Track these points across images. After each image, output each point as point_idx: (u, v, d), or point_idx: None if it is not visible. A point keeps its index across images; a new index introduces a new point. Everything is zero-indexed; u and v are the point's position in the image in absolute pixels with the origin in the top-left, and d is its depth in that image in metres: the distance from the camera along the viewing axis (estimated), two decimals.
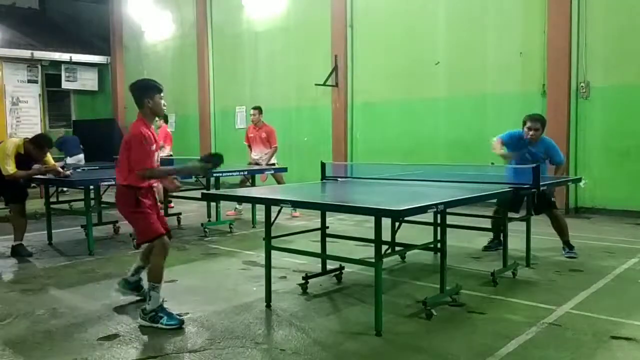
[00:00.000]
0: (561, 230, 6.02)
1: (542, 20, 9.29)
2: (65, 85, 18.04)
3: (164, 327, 3.87)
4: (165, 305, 4.01)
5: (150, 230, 4.08)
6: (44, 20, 20.14)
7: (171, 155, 10.22)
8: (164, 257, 4.08)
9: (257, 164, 9.34)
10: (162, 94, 4.19)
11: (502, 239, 5.50)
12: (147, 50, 17.59)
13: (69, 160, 13.40)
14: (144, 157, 4.00)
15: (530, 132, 5.90)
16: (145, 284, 4.23)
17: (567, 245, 5.98)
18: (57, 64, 17.76)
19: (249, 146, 9.67)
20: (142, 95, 4.11)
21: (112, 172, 8.04)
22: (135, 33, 17.88)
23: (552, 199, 5.97)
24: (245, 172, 9.03)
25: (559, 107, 9.10)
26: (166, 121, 10.90)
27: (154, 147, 4.08)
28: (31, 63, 17.35)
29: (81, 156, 13.74)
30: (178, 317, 3.99)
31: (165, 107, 4.32)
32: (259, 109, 9.50)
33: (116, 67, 18.56)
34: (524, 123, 5.99)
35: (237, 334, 3.76)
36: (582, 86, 8.92)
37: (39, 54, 17.34)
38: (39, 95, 17.69)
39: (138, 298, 4.49)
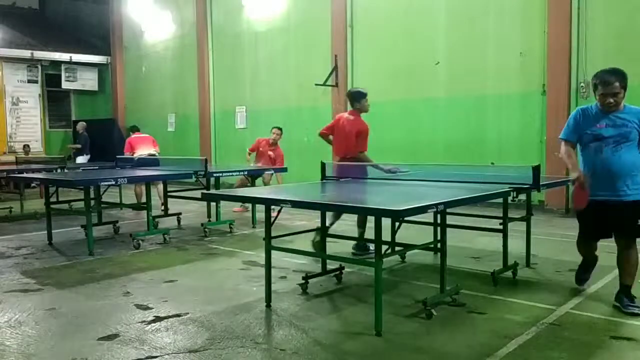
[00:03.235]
0: (628, 269, 4.20)
1: (542, 20, 9.29)
2: (65, 85, 18.05)
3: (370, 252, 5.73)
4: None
5: None
6: (44, 20, 20.15)
7: (154, 155, 10.30)
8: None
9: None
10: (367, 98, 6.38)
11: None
12: (147, 50, 17.59)
13: (80, 159, 13.58)
14: (364, 143, 6.27)
15: (609, 100, 4.04)
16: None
17: (626, 294, 4.18)
18: (57, 64, 17.78)
19: (250, 154, 10.14)
20: (359, 98, 6.39)
21: (113, 172, 8.08)
22: (135, 33, 17.88)
23: None
24: (245, 172, 9.05)
25: (559, 107, 9.10)
26: (138, 130, 11.09)
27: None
28: (31, 63, 17.37)
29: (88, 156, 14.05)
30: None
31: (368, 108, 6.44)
32: (281, 129, 9.99)
33: (116, 67, 18.57)
34: (595, 87, 4.13)
35: (237, 334, 3.75)
36: (582, 86, 8.91)
37: (39, 54, 17.36)
38: (39, 95, 17.71)
39: (136, 301, 4.49)
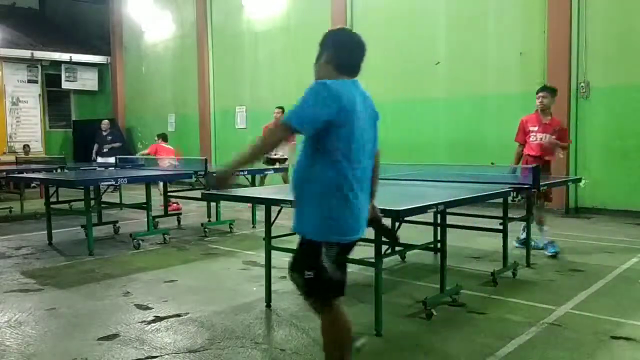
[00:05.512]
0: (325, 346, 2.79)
1: (542, 20, 9.30)
2: (65, 85, 18.03)
3: (549, 254, 5.85)
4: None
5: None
6: (44, 20, 20.15)
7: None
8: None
9: (269, 158, 9.40)
10: (540, 94, 6.21)
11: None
12: (147, 50, 17.59)
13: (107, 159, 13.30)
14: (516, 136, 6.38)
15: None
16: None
17: None
18: (57, 64, 17.76)
19: None
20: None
21: (112, 172, 8.08)
22: (135, 33, 17.88)
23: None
24: (245, 172, 9.04)
25: (559, 107, 9.08)
26: (166, 140, 11.22)
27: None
28: (31, 63, 17.35)
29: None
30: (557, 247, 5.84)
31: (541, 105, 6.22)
32: (282, 108, 9.89)
33: (116, 67, 18.56)
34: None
35: (237, 334, 3.75)
36: (582, 86, 8.92)
37: (39, 54, 17.34)
38: (39, 95, 17.69)
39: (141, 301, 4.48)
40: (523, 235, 6.07)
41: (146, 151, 11.32)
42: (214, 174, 2.77)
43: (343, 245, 2.68)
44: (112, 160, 13.16)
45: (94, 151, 14.20)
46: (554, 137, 6.10)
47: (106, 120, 14.47)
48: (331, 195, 2.58)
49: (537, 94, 6.32)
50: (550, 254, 5.87)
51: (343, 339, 2.72)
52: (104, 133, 14.08)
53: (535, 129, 6.17)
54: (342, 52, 2.83)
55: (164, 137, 11.26)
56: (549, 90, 6.30)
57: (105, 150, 13.82)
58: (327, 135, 2.58)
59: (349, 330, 2.73)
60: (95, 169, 10.01)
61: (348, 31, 2.89)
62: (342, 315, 2.71)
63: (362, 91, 2.83)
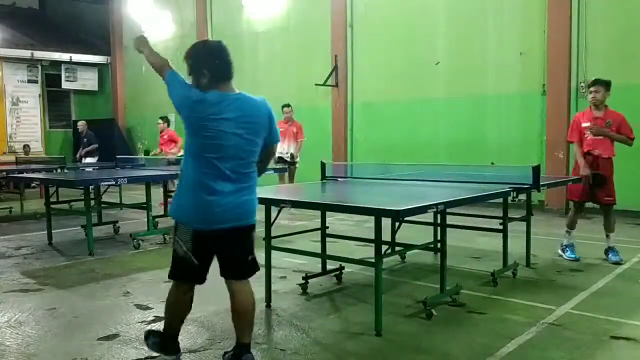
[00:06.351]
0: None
1: (542, 20, 9.30)
2: (65, 85, 18.04)
3: (566, 258, 5.76)
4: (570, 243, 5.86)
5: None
6: (44, 20, 20.16)
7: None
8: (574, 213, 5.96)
9: (280, 157, 9.69)
10: (592, 88, 5.84)
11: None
12: None
13: (90, 160, 13.10)
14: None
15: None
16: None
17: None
18: (57, 64, 17.77)
19: None
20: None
21: (112, 172, 8.07)
22: (135, 33, 17.77)
23: None
24: None
25: (559, 107, 9.10)
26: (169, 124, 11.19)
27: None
28: (31, 63, 17.36)
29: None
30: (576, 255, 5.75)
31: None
32: (290, 106, 10.21)
33: (116, 67, 18.56)
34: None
35: None
36: (582, 86, 8.92)
37: (39, 54, 17.35)
38: (39, 95, 17.70)
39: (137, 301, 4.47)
40: (565, 242, 5.95)
41: (174, 139, 10.89)
42: (139, 38, 3.40)
43: (197, 232, 3.03)
44: (89, 160, 12.96)
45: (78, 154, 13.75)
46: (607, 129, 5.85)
47: (82, 122, 13.81)
48: (188, 186, 3.02)
49: (589, 88, 5.98)
50: (613, 262, 5.65)
51: (171, 311, 3.28)
52: (81, 135, 13.55)
53: (587, 124, 5.85)
54: (202, 73, 3.13)
55: (168, 121, 11.23)
56: (601, 84, 5.83)
57: (83, 152, 13.34)
58: (189, 135, 3.02)
59: (174, 306, 3.28)
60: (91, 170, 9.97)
61: (201, 46, 3.27)
62: (181, 294, 3.28)
63: (236, 99, 3.26)
